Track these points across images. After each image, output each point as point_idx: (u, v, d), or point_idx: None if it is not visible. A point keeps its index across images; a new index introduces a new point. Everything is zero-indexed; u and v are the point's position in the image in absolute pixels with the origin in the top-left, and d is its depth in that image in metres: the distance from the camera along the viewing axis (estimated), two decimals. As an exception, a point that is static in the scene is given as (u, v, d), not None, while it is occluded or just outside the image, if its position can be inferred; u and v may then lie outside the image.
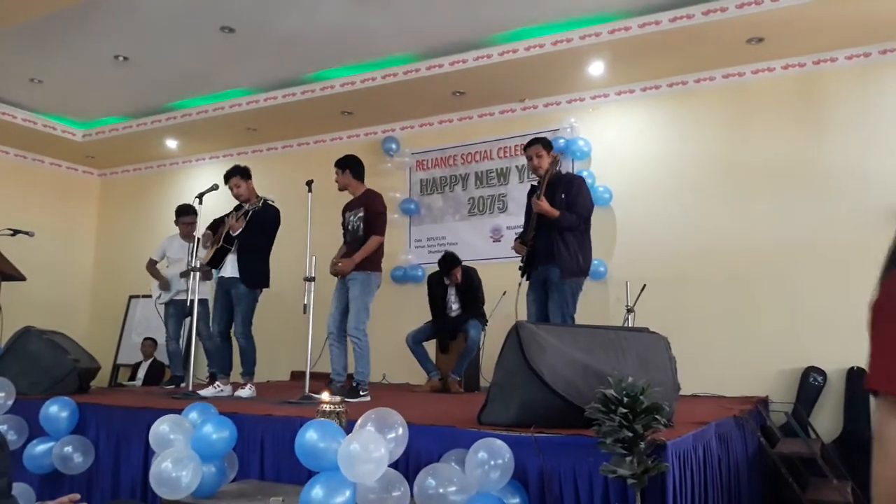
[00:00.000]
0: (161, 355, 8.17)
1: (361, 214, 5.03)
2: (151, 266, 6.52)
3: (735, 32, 5.64)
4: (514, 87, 6.84)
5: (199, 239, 5.22)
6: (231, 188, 5.26)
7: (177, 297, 6.19)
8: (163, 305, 6.34)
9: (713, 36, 5.70)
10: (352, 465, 2.44)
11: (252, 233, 5.07)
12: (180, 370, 6.16)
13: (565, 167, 6.74)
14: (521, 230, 5.13)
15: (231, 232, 5.05)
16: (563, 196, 4.58)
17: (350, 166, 5.16)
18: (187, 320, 6.08)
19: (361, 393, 4.76)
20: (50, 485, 4.05)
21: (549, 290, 4.65)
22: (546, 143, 4.89)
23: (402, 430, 2.66)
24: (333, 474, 2.49)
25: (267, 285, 5.25)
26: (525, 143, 5.07)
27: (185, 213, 6.32)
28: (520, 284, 4.87)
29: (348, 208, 5.20)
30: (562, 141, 6.75)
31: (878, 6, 5.18)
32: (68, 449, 3.91)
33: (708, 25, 5.51)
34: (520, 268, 4.87)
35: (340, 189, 5.20)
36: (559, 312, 4.56)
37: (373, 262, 4.97)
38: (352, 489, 2.49)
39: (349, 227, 5.12)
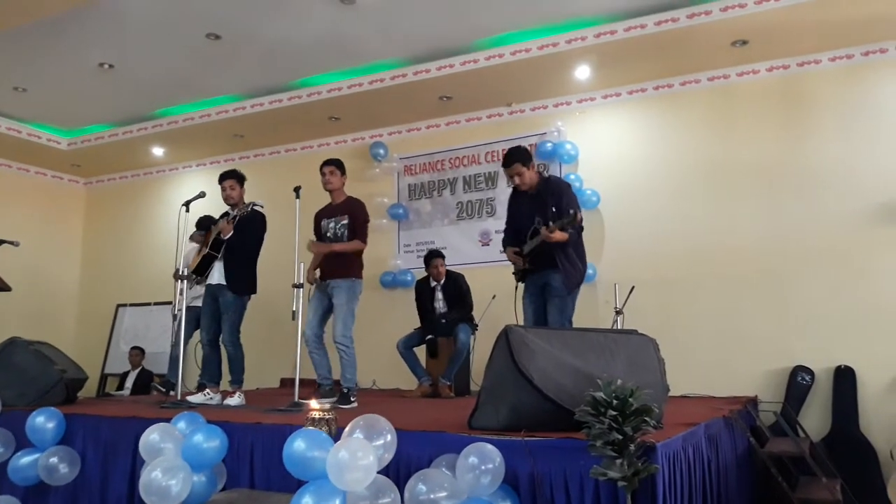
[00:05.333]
0: (149, 364, 8.13)
1: (346, 222, 4.99)
2: (176, 276, 6.50)
3: (720, 35, 5.68)
4: (501, 92, 6.86)
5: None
6: (224, 188, 5.20)
7: (190, 304, 6.12)
8: (178, 312, 6.28)
9: (698, 39, 5.74)
10: (340, 474, 2.42)
11: (240, 238, 5.04)
12: (176, 377, 6.10)
13: (553, 172, 6.77)
14: (505, 233, 5.01)
15: (222, 235, 5.00)
16: (553, 208, 4.50)
17: (344, 170, 5.14)
18: (197, 329, 6.07)
19: (352, 399, 4.75)
20: (37, 496, 4.01)
21: (548, 295, 4.62)
22: (524, 158, 4.66)
23: (390, 437, 2.64)
24: (322, 483, 2.47)
25: (254, 291, 5.22)
26: (504, 156, 4.75)
27: (201, 226, 6.21)
28: (516, 288, 4.87)
29: (326, 215, 5.13)
30: (549, 145, 6.78)
31: (860, 9, 5.24)
32: (54, 460, 3.86)
33: (693, 29, 5.55)
34: (514, 274, 4.86)
35: (330, 189, 5.10)
36: (559, 317, 4.54)
37: (357, 270, 4.99)
38: (341, 497, 2.47)
39: (329, 233, 5.05)
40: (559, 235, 4.41)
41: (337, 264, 4.90)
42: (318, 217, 5.17)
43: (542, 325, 4.59)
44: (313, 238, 5.07)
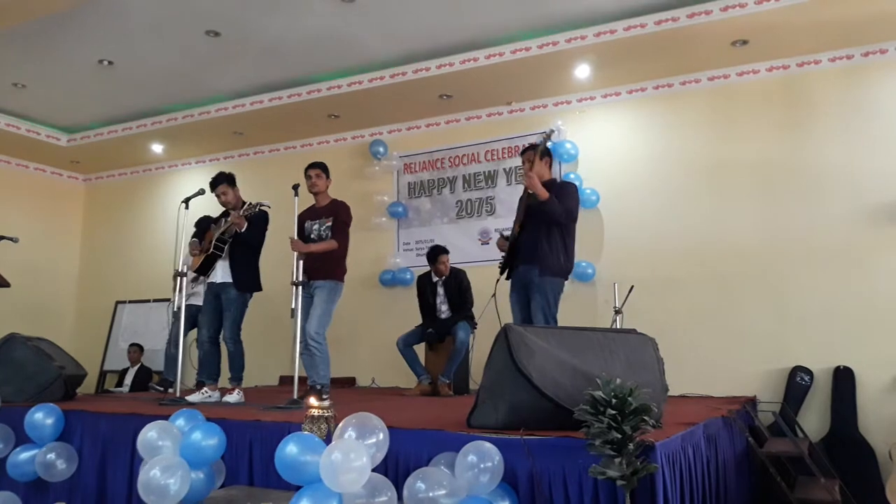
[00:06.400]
0: (148, 361, 8.13)
1: (330, 224, 5.05)
2: (176, 276, 6.47)
3: (720, 35, 5.68)
4: (501, 91, 6.85)
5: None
6: (218, 196, 5.20)
7: (188, 302, 6.09)
8: (178, 310, 6.26)
9: (698, 39, 5.74)
10: (334, 476, 2.41)
11: (252, 232, 5.03)
12: (174, 375, 6.09)
13: (553, 171, 6.77)
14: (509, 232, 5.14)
15: (237, 229, 4.97)
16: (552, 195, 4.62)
17: (328, 173, 5.22)
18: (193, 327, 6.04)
19: (324, 397, 4.76)
20: (37, 492, 4.01)
21: (529, 293, 4.66)
22: (542, 151, 4.88)
23: (382, 436, 2.63)
24: (318, 486, 2.47)
25: (258, 289, 5.22)
26: (518, 147, 5.05)
27: (199, 226, 6.18)
28: (497, 281, 4.88)
29: (310, 217, 5.16)
30: (549, 144, 6.76)
31: (859, 10, 5.24)
32: (51, 456, 3.86)
33: (693, 28, 5.55)
34: (500, 265, 4.89)
35: (315, 192, 5.15)
36: (541, 314, 4.56)
37: (339, 272, 5.04)
38: (338, 499, 2.47)
39: (313, 235, 5.08)
40: (540, 186, 4.55)
41: (320, 265, 4.92)
42: (302, 219, 5.16)
43: (528, 323, 4.61)
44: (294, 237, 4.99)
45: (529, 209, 4.69)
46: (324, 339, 4.89)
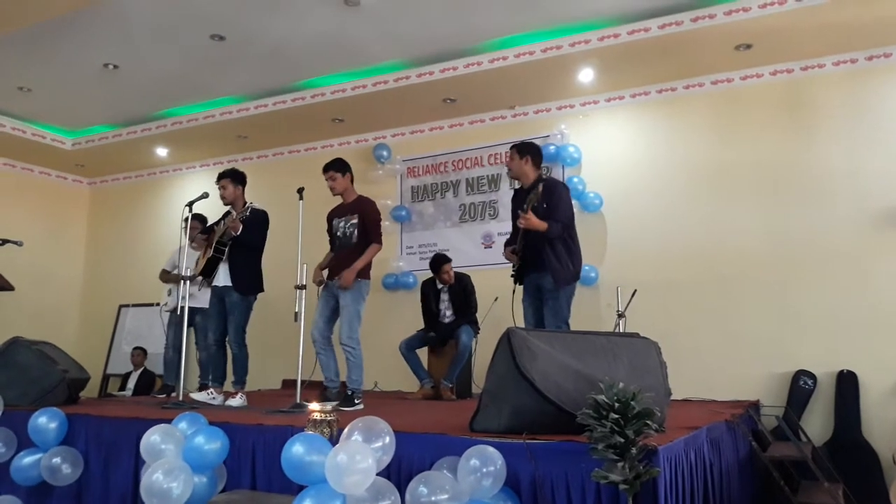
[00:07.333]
0: (151, 364, 8.14)
1: (355, 221, 4.93)
2: (164, 276, 6.50)
3: (723, 39, 5.68)
4: (505, 95, 6.86)
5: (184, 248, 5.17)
6: (218, 189, 5.22)
7: (184, 304, 6.09)
8: (168, 313, 6.28)
9: (701, 42, 5.74)
10: (339, 477, 2.42)
11: (248, 235, 5.02)
12: (174, 380, 6.11)
13: (556, 175, 6.78)
14: (510, 235, 5.09)
15: (233, 233, 4.95)
16: (545, 205, 4.52)
17: (349, 170, 5.06)
18: (188, 329, 6.05)
19: (356, 401, 4.73)
20: (38, 497, 4.01)
21: (543, 297, 4.65)
22: (520, 148, 4.78)
23: (388, 439, 2.64)
24: (322, 487, 2.47)
25: (261, 290, 5.21)
26: None
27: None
28: (514, 291, 4.87)
29: (337, 214, 5.07)
30: (552, 148, 6.77)
31: (864, 13, 5.23)
32: (57, 460, 3.87)
33: (696, 32, 5.55)
34: (511, 276, 4.87)
35: (336, 194, 5.05)
36: (553, 319, 4.57)
37: (364, 270, 4.92)
38: (341, 500, 2.48)
39: (338, 233, 4.99)
40: (536, 222, 4.44)
41: (345, 264, 4.84)
42: (330, 217, 5.14)
43: (542, 327, 4.60)
44: (312, 268, 4.89)
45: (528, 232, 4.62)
46: (357, 343, 4.79)
